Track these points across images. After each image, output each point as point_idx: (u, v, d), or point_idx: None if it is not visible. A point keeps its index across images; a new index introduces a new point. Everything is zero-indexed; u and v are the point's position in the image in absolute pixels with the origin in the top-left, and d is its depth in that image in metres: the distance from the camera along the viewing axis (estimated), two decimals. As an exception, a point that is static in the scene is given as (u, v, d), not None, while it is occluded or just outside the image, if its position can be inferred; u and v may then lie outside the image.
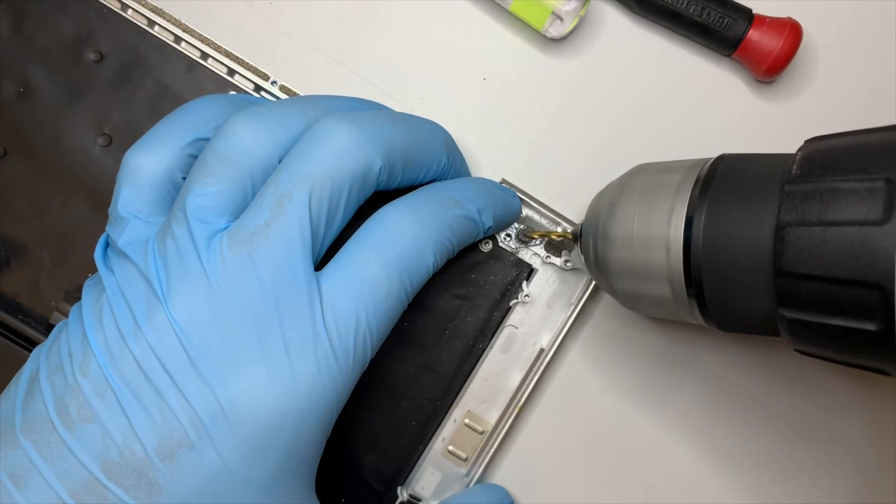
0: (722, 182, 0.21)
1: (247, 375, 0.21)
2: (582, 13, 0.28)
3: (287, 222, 0.22)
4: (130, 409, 0.20)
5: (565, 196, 0.29)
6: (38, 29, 0.29)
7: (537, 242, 0.28)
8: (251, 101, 0.26)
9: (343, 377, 0.22)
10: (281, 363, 0.21)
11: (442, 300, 0.27)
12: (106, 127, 0.29)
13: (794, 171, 0.20)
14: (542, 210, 0.28)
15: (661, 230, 0.22)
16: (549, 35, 0.28)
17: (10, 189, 0.28)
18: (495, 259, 0.28)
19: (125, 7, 0.28)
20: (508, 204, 0.27)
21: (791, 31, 0.27)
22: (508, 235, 0.28)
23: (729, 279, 0.21)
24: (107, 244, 0.24)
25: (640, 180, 0.23)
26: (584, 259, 0.26)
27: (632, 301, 0.24)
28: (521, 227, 0.28)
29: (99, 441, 0.20)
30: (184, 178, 0.23)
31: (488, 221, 0.26)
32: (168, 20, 0.28)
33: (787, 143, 0.29)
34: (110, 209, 0.23)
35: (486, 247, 0.28)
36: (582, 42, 0.30)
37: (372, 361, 0.23)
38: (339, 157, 0.22)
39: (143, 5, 0.28)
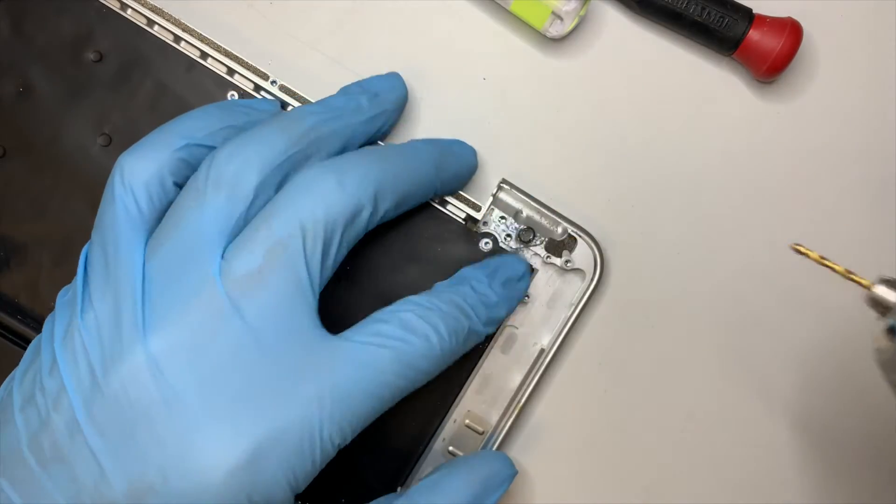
0: None
1: (221, 424, 0.20)
2: (582, 13, 0.28)
3: (284, 276, 0.21)
4: (99, 451, 0.20)
5: (565, 196, 0.29)
6: (38, 29, 0.29)
7: (538, 243, 0.28)
8: (244, 105, 0.26)
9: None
10: (262, 412, 0.21)
11: (442, 300, 0.27)
12: (106, 127, 0.29)
13: None
14: (542, 210, 0.28)
15: None
16: (549, 35, 0.28)
17: (10, 189, 0.28)
18: (495, 259, 0.28)
19: (125, 7, 0.28)
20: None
21: (791, 31, 0.27)
22: (509, 236, 0.28)
23: None
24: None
25: None
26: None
27: None
28: (521, 227, 0.28)
29: (69, 483, 0.20)
30: (174, 182, 0.23)
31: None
32: (168, 20, 0.28)
33: (787, 143, 0.29)
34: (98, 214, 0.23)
35: (487, 247, 0.28)
36: (582, 42, 0.30)
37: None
38: (329, 206, 0.22)
39: (142, 5, 0.28)
